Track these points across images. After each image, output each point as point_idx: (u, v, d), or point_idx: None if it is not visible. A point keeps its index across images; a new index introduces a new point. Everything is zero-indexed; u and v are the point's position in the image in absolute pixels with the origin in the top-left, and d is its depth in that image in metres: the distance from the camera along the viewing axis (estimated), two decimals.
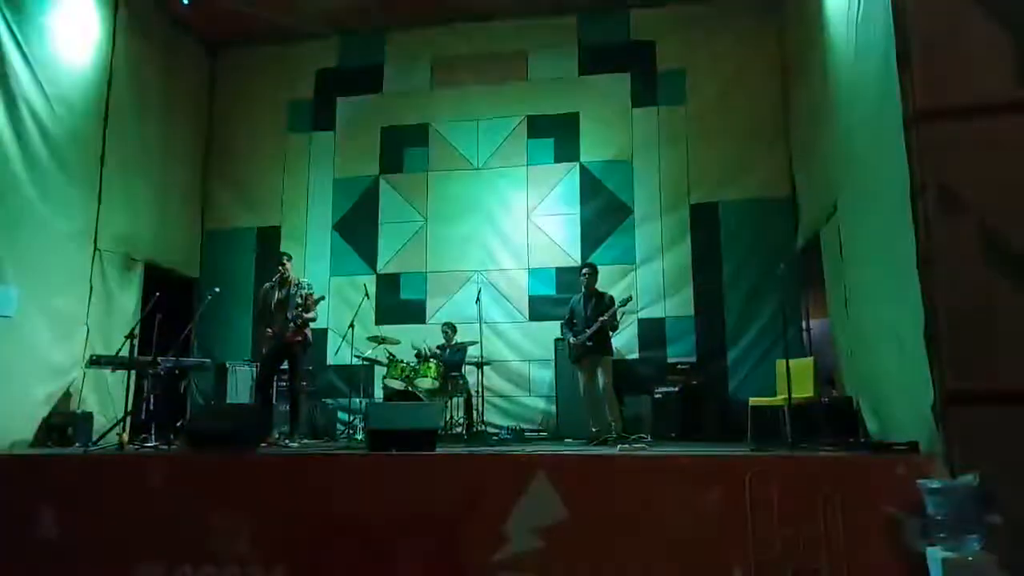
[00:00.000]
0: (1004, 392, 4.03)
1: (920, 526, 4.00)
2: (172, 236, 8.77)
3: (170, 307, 7.49)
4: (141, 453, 5.26)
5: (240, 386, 7.05)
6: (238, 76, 9.62)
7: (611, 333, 6.63)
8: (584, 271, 6.86)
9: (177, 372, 7.01)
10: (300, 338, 6.51)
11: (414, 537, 4.63)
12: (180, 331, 6.77)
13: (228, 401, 7.23)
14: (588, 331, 6.47)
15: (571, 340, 6.70)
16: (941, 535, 3.86)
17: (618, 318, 6.55)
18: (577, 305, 6.75)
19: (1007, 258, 4.15)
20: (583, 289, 6.78)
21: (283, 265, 6.70)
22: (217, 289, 6.81)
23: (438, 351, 7.67)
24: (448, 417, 7.27)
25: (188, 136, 9.21)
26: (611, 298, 6.60)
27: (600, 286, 7.85)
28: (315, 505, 4.77)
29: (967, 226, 4.24)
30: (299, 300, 6.51)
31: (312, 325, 6.69)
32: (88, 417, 6.53)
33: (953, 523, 3.85)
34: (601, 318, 6.42)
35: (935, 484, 3.96)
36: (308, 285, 6.76)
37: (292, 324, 6.36)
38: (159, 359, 6.52)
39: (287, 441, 6.25)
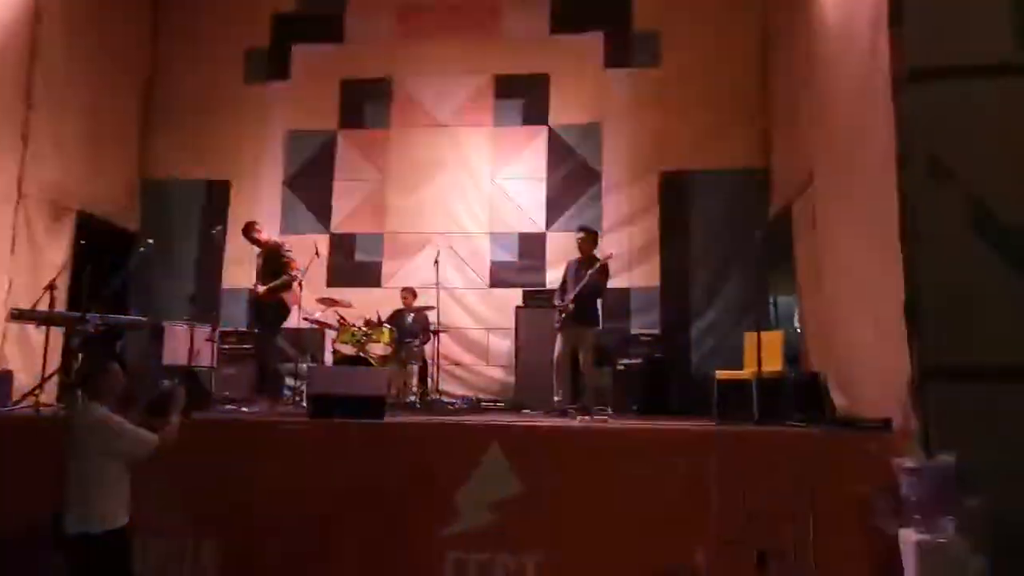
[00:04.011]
0: (985, 368, 3.85)
1: (893, 506, 3.84)
2: (109, 185, 8.16)
3: (106, 261, 7.02)
4: (60, 416, 4.81)
5: (179, 348, 6.58)
6: (186, 17, 8.91)
7: (599, 300, 6.34)
8: (578, 235, 6.54)
9: (110, 331, 6.54)
10: (272, 302, 6.34)
11: (357, 511, 4.35)
12: (122, 287, 6.32)
13: (164, 363, 6.77)
14: (568, 295, 6.20)
15: (556, 303, 6.47)
16: (915, 516, 3.70)
17: (598, 283, 6.20)
18: (569, 270, 6.46)
19: (994, 230, 3.95)
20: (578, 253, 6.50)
21: (248, 235, 6.63)
22: (151, 241, 6.33)
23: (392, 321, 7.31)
24: (401, 385, 6.92)
25: (129, 79, 8.54)
26: (604, 266, 6.29)
27: (563, 253, 7.61)
28: (250, 475, 4.44)
29: (954, 197, 4.03)
30: (267, 266, 6.42)
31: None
32: (7, 376, 6.01)
33: (928, 504, 3.68)
34: (582, 283, 6.17)
35: (910, 463, 3.78)
36: (277, 250, 6.62)
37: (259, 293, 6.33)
38: (87, 315, 6.04)
39: (244, 407, 5.91)
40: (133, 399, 4.33)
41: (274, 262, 6.51)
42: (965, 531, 3.58)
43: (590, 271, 6.21)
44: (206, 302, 7.69)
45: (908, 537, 3.64)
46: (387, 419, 4.96)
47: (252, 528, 4.32)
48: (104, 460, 3.56)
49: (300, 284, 6.64)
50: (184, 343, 6.29)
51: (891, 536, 3.76)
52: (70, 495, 3.54)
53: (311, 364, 6.65)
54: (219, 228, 7.65)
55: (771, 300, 7.69)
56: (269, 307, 6.31)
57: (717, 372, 5.97)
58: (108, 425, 3.57)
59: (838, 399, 5.37)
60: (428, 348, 7.38)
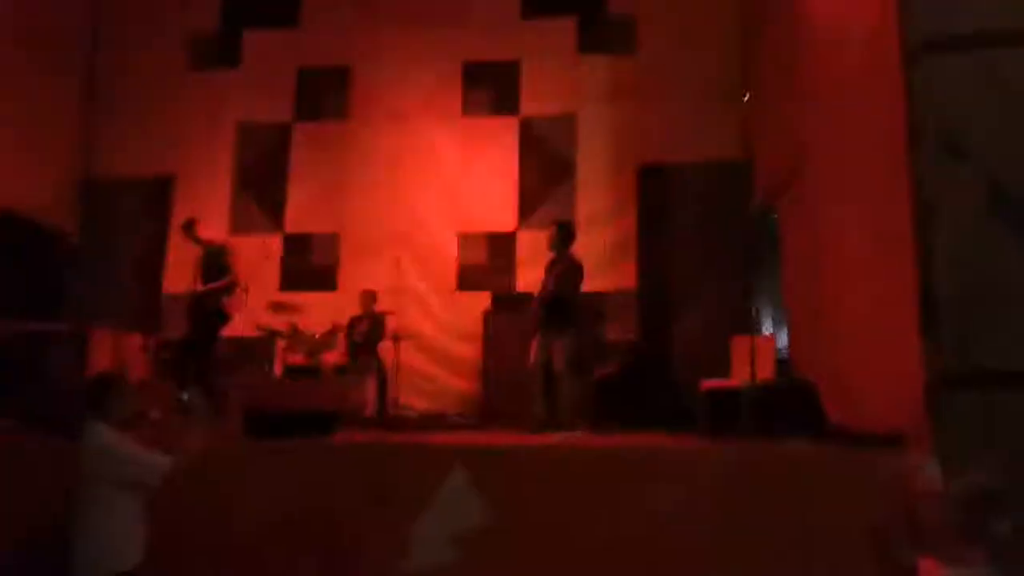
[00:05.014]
0: (1011, 372, 3.39)
1: (910, 534, 3.37)
2: (40, 183, 7.47)
3: (37, 265, 6.39)
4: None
5: (105, 357, 5.91)
6: (128, 2, 8.30)
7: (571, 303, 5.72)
8: (552, 232, 5.94)
9: (37, 342, 5.88)
10: (211, 307, 5.82)
11: (297, 546, 3.74)
12: (51, 292, 5.68)
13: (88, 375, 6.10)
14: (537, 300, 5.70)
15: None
16: (937, 546, 3.23)
17: (567, 285, 5.63)
18: (547, 271, 5.88)
19: (1016, 214, 3.51)
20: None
21: (189, 233, 6.11)
22: (75, 239, 5.68)
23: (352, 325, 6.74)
24: (357, 398, 6.32)
25: (66, 70, 7.91)
26: (577, 266, 5.72)
27: (535, 254, 7.07)
28: (168, 507, 3.80)
29: (972, 177, 3.58)
30: (209, 268, 5.94)
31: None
32: None
33: (951, 531, 3.21)
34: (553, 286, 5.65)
35: (930, 485, 3.31)
36: (220, 250, 6.10)
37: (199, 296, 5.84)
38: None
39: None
40: (145, 415, 3.89)
41: (217, 264, 5.91)
42: (996, 561, 3.12)
43: (553, 271, 5.67)
44: (145, 308, 7.04)
45: (930, 570, 3.16)
46: (338, 438, 4.39)
47: (171, 570, 3.70)
48: (114, 491, 3.12)
49: (246, 290, 6.04)
50: (111, 352, 5.64)
51: (909, 569, 3.28)
52: (77, 533, 3.13)
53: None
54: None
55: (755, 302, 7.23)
56: (207, 312, 5.68)
57: (704, 381, 5.47)
58: (116, 450, 3.14)
59: (836, 409, 4.91)
60: (388, 357, 6.79)
